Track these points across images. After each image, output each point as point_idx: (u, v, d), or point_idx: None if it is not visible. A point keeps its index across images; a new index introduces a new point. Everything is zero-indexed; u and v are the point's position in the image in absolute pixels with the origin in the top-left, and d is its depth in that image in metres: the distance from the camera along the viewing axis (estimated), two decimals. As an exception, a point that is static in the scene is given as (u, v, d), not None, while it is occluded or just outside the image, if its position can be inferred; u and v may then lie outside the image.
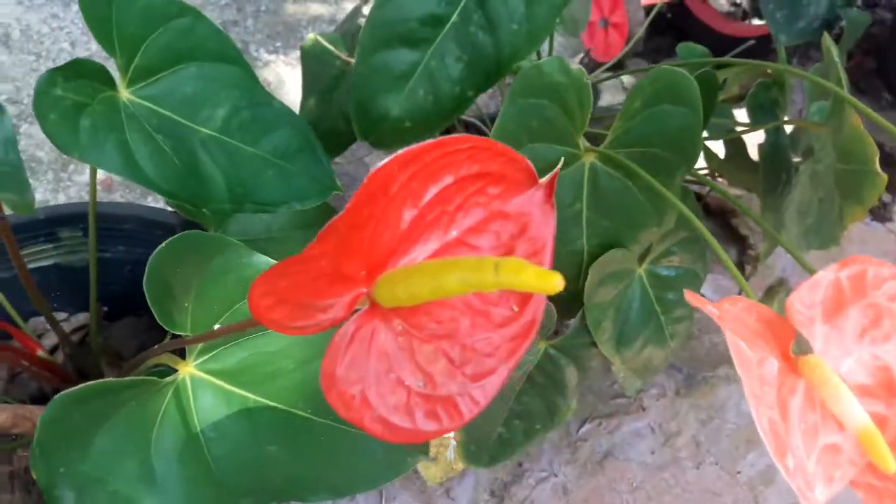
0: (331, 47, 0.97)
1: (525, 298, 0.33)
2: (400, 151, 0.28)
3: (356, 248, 0.29)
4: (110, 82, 0.53)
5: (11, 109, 1.40)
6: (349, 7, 1.64)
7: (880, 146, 1.46)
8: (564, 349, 0.75)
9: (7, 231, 0.53)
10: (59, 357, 0.80)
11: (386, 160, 0.27)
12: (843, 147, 0.62)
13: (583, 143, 0.67)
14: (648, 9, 1.48)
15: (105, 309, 0.86)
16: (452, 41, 0.67)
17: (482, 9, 0.66)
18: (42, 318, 0.86)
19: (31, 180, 1.30)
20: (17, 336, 0.69)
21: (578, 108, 0.65)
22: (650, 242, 0.73)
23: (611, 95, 1.53)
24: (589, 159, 0.68)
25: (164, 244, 0.45)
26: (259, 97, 0.65)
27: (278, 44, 1.57)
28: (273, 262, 0.49)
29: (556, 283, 0.26)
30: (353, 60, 0.99)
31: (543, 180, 0.34)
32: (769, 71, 0.90)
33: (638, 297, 0.75)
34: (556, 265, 0.70)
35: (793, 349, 0.42)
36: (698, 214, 0.77)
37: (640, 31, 1.48)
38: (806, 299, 0.43)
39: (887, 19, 1.72)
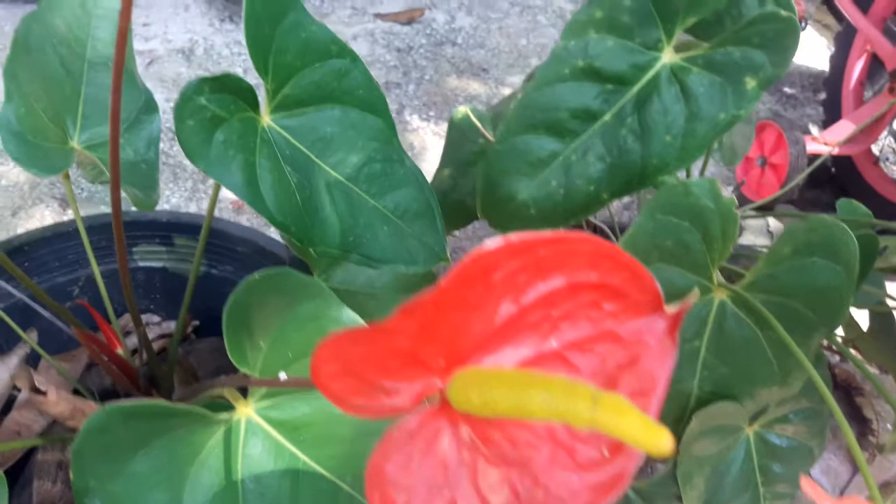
0: (478, 123, 0.96)
1: (620, 444, 0.28)
2: (513, 236, 0.24)
3: (441, 332, 0.25)
4: (254, 104, 0.54)
5: (169, 119, 1.49)
6: (506, 92, 1.66)
7: None
8: (646, 495, 0.67)
9: (119, 225, 0.53)
10: (137, 360, 0.80)
11: (494, 243, 0.24)
12: None
13: (717, 276, 0.62)
14: (813, 158, 1.41)
15: (196, 323, 0.87)
16: (599, 139, 0.64)
17: (639, 113, 0.63)
18: (153, 316, 0.88)
19: (170, 184, 1.36)
20: (103, 328, 0.70)
21: (721, 238, 0.59)
22: (767, 403, 0.65)
23: (753, 236, 1.45)
24: (720, 296, 0.62)
25: (253, 276, 0.43)
26: (394, 153, 0.64)
27: (432, 112, 1.61)
28: (361, 322, 0.47)
29: (665, 443, 0.21)
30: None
31: (670, 309, 0.30)
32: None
33: (740, 461, 0.67)
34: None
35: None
36: (829, 385, 0.68)
37: (799, 179, 1.40)
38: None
39: None
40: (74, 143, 0.65)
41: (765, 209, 1.54)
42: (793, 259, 0.59)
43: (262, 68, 0.53)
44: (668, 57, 0.62)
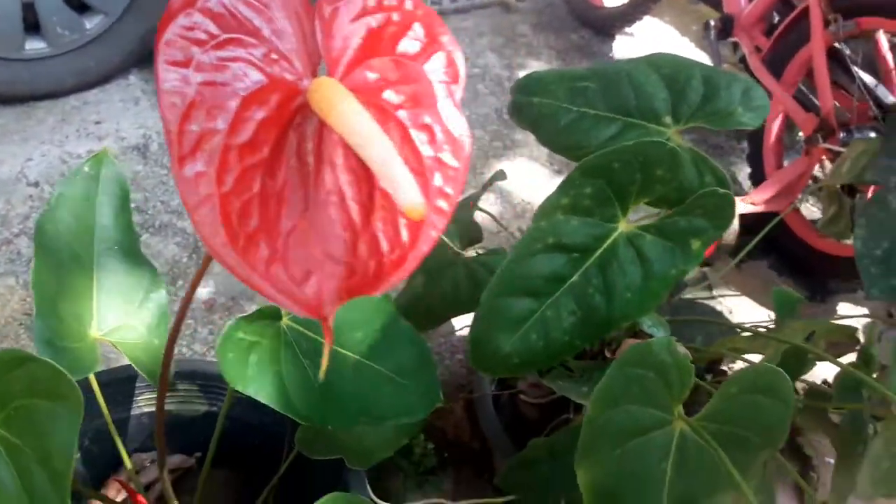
0: (444, 238, 1.06)
1: None
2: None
3: None
4: (278, 315, 0.62)
5: (136, 218, 1.53)
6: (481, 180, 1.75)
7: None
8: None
9: (164, 391, 0.60)
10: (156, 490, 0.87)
11: None
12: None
13: (678, 411, 0.72)
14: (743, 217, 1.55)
15: (198, 454, 0.93)
16: (570, 297, 0.74)
17: (603, 274, 0.74)
18: (142, 455, 0.94)
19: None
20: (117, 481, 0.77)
21: (679, 384, 0.70)
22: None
23: (693, 290, 1.57)
24: (679, 426, 0.72)
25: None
26: (390, 320, 0.72)
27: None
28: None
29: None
30: (462, 252, 1.08)
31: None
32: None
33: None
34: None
35: None
36: (787, 478, 0.79)
37: (731, 238, 1.53)
38: None
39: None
40: (94, 333, 0.72)
41: (704, 264, 1.67)
42: (739, 396, 0.69)
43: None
44: (623, 227, 0.73)
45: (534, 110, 0.82)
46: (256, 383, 0.57)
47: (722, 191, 0.70)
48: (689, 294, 1.60)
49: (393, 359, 0.71)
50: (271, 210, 0.30)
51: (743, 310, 1.66)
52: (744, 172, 1.87)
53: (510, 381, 1.15)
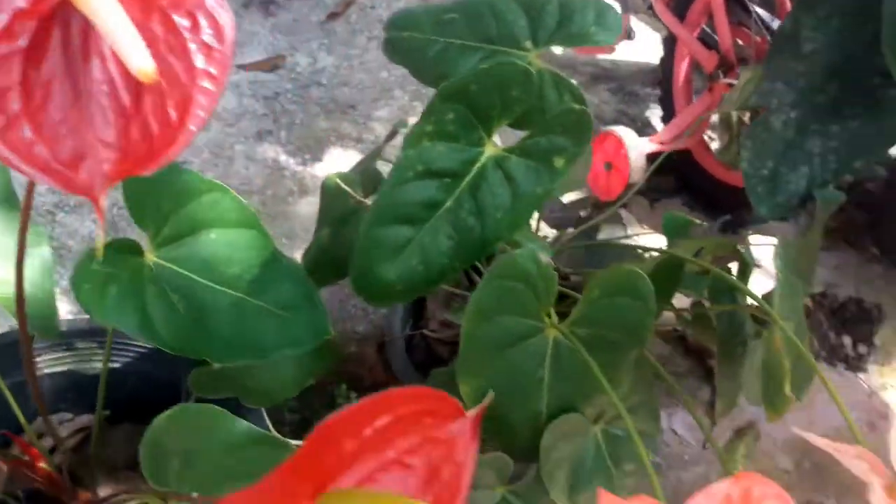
0: (347, 188, 1.08)
1: None
2: (343, 410, 0.36)
3: (304, 473, 0.37)
4: (139, 251, 0.63)
5: (51, 198, 1.52)
6: (376, 127, 1.77)
7: (859, 301, 1.53)
8: (522, 495, 0.81)
9: (29, 347, 0.62)
10: (59, 457, 0.88)
11: (332, 417, 0.36)
12: (770, 358, 0.69)
13: (549, 319, 0.76)
14: (655, 153, 1.60)
15: (107, 412, 0.95)
16: (445, 222, 0.77)
17: (474, 199, 0.77)
18: (62, 415, 0.95)
19: (58, 266, 1.40)
20: (18, 444, 0.78)
21: (545, 292, 0.73)
22: (604, 407, 0.80)
23: (609, 232, 1.62)
24: (552, 334, 0.76)
25: (163, 416, 0.54)
26: (270, 256, 0.74)
27: (307, 156, 1.70)
28: (251, 426, 0.57)
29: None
30: (365, 200, 1.10)
31: (470, 413, 0.42)
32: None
33: (592, 454, 0.82)
34: (519, 422, 0.77)
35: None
36: (656, 377, 0.84)
37: (638, 176, 1.58)
38: (700, 512, 0.50)
39: (881, 177, 1.81)
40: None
41: (616, 204, 1.72)
42: (602, 300, 0.73)
43: (142, 222, 0.63)
44: (490, 150, 0.76)
45: (404, 45, 0.84)
46: (117, 314, 0.59)
47: (577, 107, 0.74)
48: (604, 235, 1.65)
49: (274, 294, 0.73)
50: (36, 99, 0.33)
51: (657, 246, 1.72)
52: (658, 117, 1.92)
53: (421, 323, 1.18)
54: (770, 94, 1.18)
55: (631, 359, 0.76)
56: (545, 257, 0.72)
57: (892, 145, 1.17)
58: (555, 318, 0.78)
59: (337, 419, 0.36)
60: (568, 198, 1.78)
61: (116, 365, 0.92)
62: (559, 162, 0.76)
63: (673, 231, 1.08)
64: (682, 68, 1.75)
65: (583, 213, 1.74)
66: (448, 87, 0.72)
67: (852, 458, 0.50)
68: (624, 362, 0.76)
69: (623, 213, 1.71)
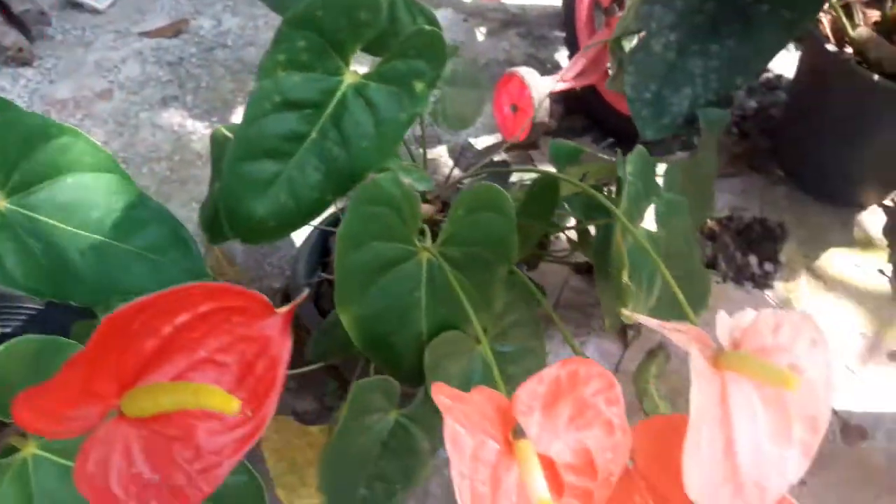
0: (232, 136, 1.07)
1: (259, 405, 0.42)
2: (131, 303, 0.37)
3: (105, 372, 0.38)
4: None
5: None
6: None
7: (763, 221, 1.58)
8: (414, 417, 0.84)
9: None
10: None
11: (121, 308, 0.37)
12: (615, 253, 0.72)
13: (419, 242, 0.78)
14: (565, 92, 1.62)
15: None
16: (311, 154, 0.77)
17: (337, 128, 0.77)
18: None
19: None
20: None
21: (411, 215, 0.75)
22: (486, 325, 0.83)
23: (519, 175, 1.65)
24: (425, 256, 0.78)
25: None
26: (134, 200, 0.74)
27: (214, 118, 1.68)
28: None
29: (234, 406, 0.36)
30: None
31: (281, 310, 0.44)
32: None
33: (480, 371, 0.84)
34: (401, 345, 0.79)
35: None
36: (531, 296, 0.86)
37: (544, 115, 1.61)
38: (529, 392, 0.53)
39: (782, 101, 1.87)
40: None
41: (532, 147, 1.75)
42: (466, 217, 0.75)
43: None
44: (349, 79, 0.76)
45: (260, -18, 0.84)
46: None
47: (427, 28, 0.74)
48: (515, 178, 1.67)
49: (142, 238, 0.74)
50: None
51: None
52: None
53: (329, 270, 1.19)
54: (649, 18, 1.20)
55: (501, 276, 0.78)
56: (406, 180, 0.73)
57: (768, 61, 1.20)
58: (429, 241, 0.79)
59: (123, 312, 0.37)
60: (483, 143, 1.80)
61: (7, 330, 0.91)
62: (419, 86, 0.77)
63: (561, 158, 1.10)
64: (583, 6, 1.76)
65: (497, 158, 1.76)
66: (295, 14, 0.73)
67: (674, 332, 0.53)
68: (495, 280, 0.78)
69: (534, 153, 1.74)
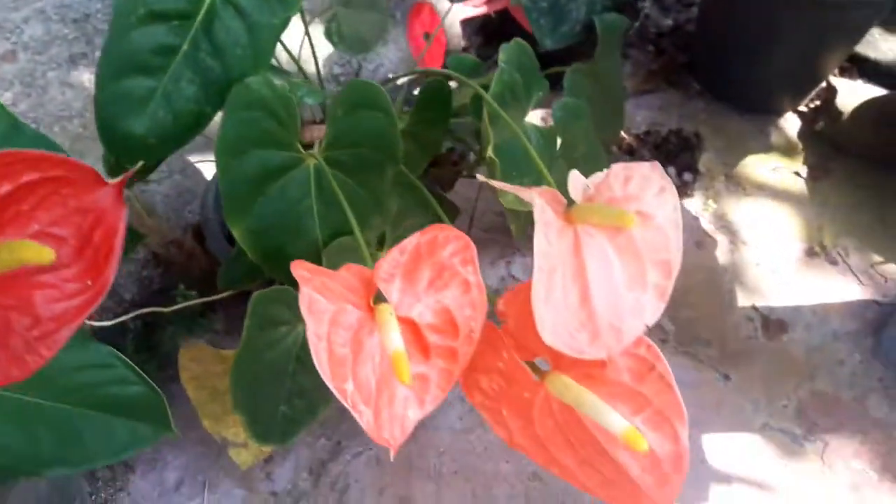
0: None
1: (98, 274, 0.43)
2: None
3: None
4: None
5: None
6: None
7: (678, 131, 1.61)
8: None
9: None
10: None
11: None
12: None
13: (310, 150, 0.78)
14: (468, 22, 1.61)
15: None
16: (185, 67, 0.76)
17: (209, 38, 0.76)
18: None
19: None
20: None
21: (289, 119, 0.75)
22: (382, 229, 0.83)
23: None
24: (312, 162, 0.78)
25: None
26: (8, 126, 0.73)
27: (123, 71, 1.64)
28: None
29: (49, 256, 0.36)
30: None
31: (113, 181, 0.44)
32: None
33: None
34: (298, 255, 0.80)
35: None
36: (427, 203, 0.87)
37: (458, 43, 1.60)
38: (391, 261, 0.54)
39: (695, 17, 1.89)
40: None
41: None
42: (345, 116, 0.75)
43: None
44: (215, -17, 0.75)
45: None
46: None
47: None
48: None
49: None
50: None
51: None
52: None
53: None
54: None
55: (389, 177, 0.79)
56: (279, 82, 0.73)
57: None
58: (316, 148, 0.79)
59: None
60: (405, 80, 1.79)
61: None
62: (286, -15, 0.76)
63: (462, 72, 1.10)
64: (495, -66, 1.75)
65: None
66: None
67: (521, 190, 0.54)
68: (384, 182, 0.79)
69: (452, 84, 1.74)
